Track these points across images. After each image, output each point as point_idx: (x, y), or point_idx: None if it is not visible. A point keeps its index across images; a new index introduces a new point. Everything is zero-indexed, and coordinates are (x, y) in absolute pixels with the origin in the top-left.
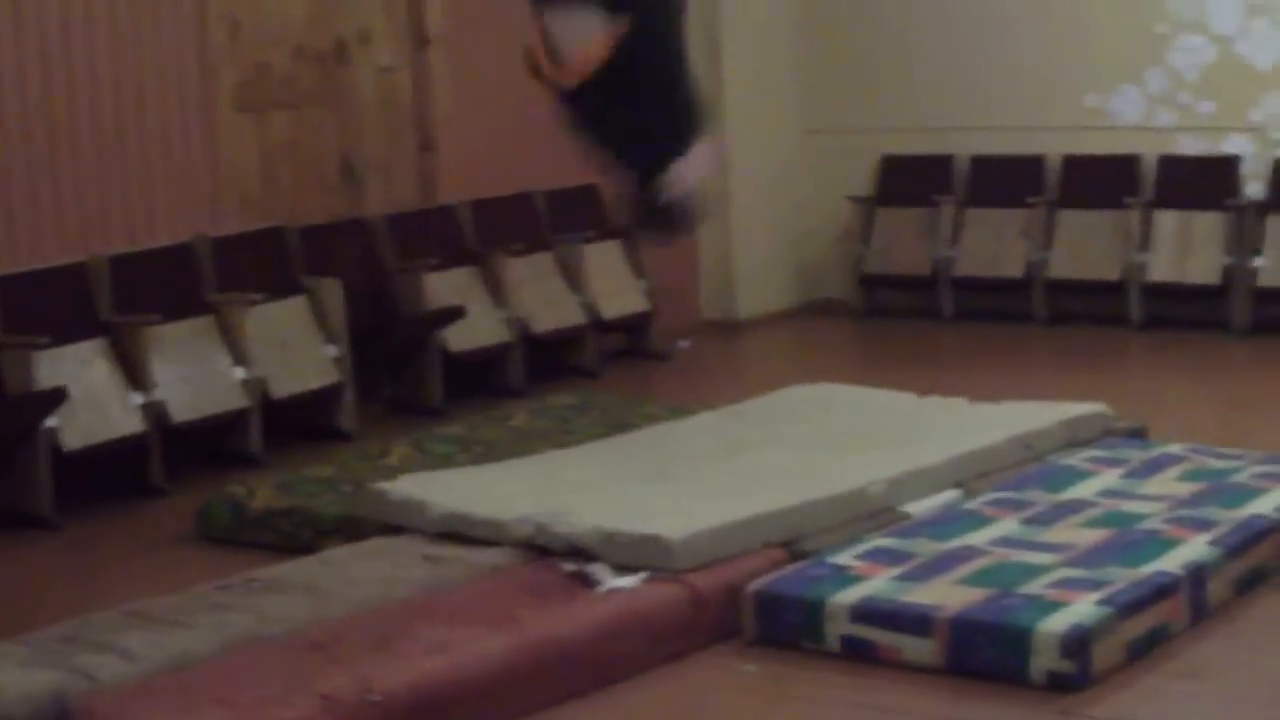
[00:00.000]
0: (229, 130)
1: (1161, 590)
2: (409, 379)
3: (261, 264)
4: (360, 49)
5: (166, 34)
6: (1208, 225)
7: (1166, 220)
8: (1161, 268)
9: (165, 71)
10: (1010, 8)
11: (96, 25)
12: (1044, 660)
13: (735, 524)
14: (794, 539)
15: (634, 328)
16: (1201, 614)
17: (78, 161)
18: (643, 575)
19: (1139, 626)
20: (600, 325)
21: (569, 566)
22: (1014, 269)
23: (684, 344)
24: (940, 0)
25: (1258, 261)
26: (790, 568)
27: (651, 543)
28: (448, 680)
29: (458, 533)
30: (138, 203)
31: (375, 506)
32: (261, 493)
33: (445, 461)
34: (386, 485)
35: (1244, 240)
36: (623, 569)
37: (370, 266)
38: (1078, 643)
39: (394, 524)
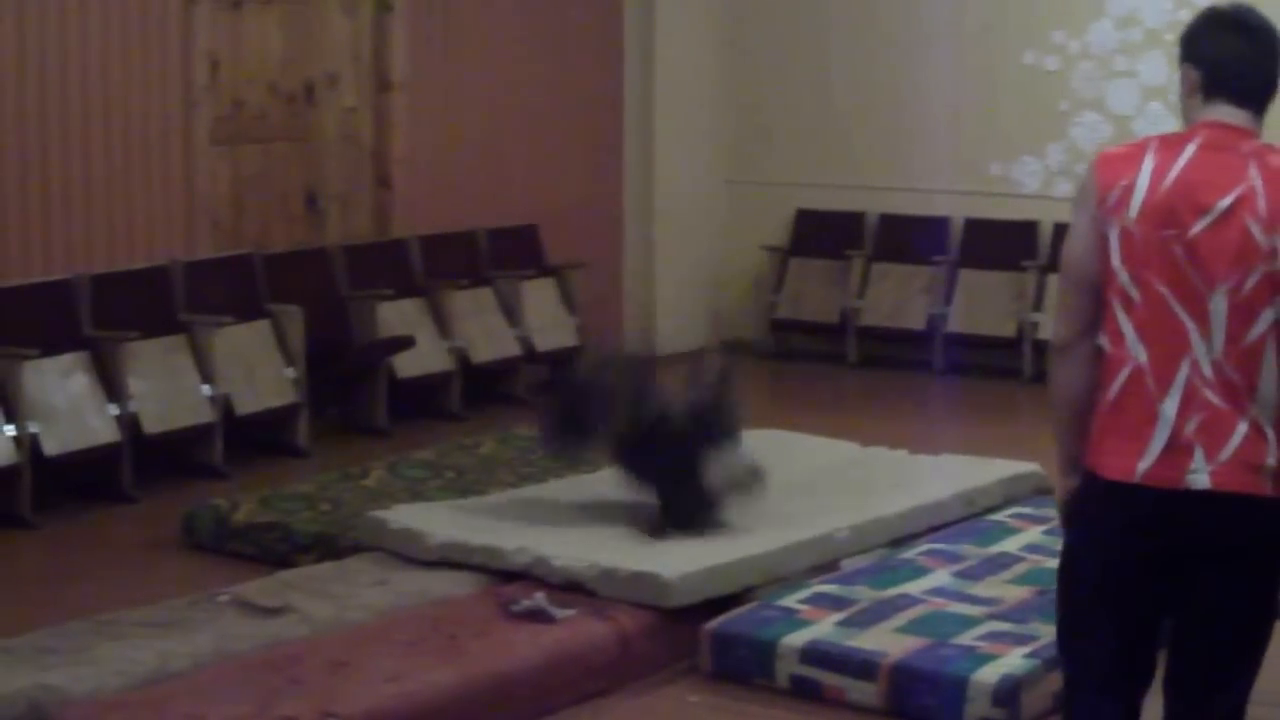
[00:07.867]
0: (205, 161)
1: None
2: (357, 400)
3: (230, 288)
4: (327, 90)
5: (154, 69)
6: None
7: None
8: (1052, 327)
9: (150, 104)
10: (925, 79)
11: (90, 59)
12: (977, 707)
13: (723, 565)
14: (769, 581)
15: (564, 360)
16: None
17: (66, 186)
18: (572, 611)
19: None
20: (534, 357)
21: (525, 603)
22: (916, 322)
23: None
24: (858, 67)
25: None
26: (742, 609)
27: (648, 580)
28: (401, 708)
29: (453, 560)
30: (119, 226)
31: (374, 533)
32: (245, 506)
33: (418, 484)
34: (385, 514)
35: None
36: (616, 601)
37: (327, 293)
38: (1009, 692)
39: (392, 550)
